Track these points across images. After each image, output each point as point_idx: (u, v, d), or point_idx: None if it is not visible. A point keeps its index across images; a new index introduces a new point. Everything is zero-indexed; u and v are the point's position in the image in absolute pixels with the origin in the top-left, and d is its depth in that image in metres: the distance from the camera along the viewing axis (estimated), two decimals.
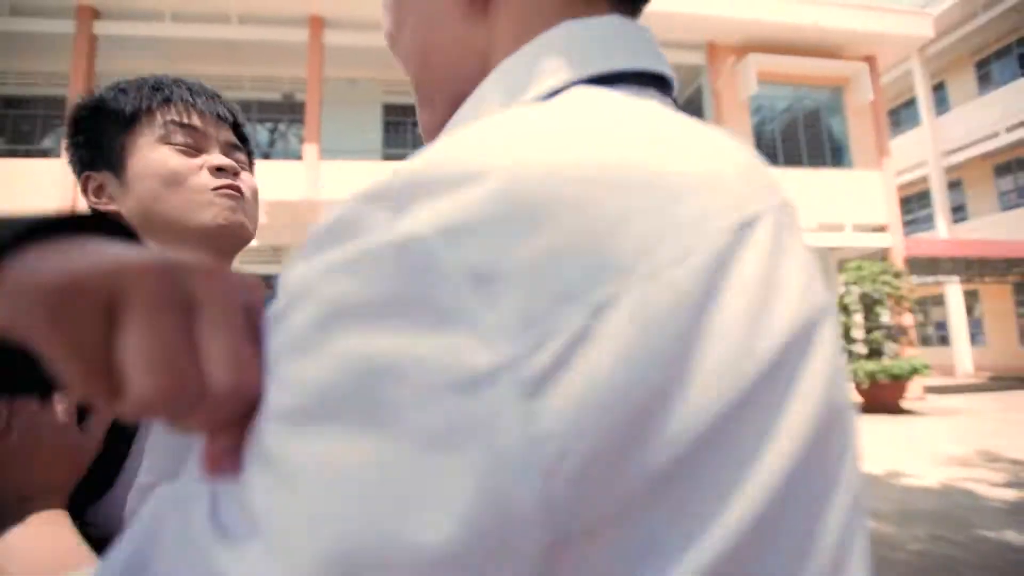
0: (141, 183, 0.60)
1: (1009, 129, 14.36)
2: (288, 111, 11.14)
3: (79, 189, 0.65)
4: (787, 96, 11.12)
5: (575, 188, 0.16)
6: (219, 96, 0.68)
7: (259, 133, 11.29)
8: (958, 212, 16.83)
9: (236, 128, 0.68)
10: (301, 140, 11.14)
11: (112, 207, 0.63)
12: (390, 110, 11.30)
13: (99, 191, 0.64)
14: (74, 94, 8.63)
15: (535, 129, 0.18)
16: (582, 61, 0.24)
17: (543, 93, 0.24)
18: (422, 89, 0.31)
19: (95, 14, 8.88)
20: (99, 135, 0.63)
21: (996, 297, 15.45)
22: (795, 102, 11.19)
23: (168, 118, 0.61)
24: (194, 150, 0.62)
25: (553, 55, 0.25)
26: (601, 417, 0.14)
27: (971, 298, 16.15)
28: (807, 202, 10.09)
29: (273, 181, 8.95)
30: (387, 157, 10.95)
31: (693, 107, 11.48)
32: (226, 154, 0.64)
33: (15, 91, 10.41)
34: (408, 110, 11.38)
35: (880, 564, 2.95)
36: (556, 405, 0.14)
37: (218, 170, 0.61)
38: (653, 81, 0.26)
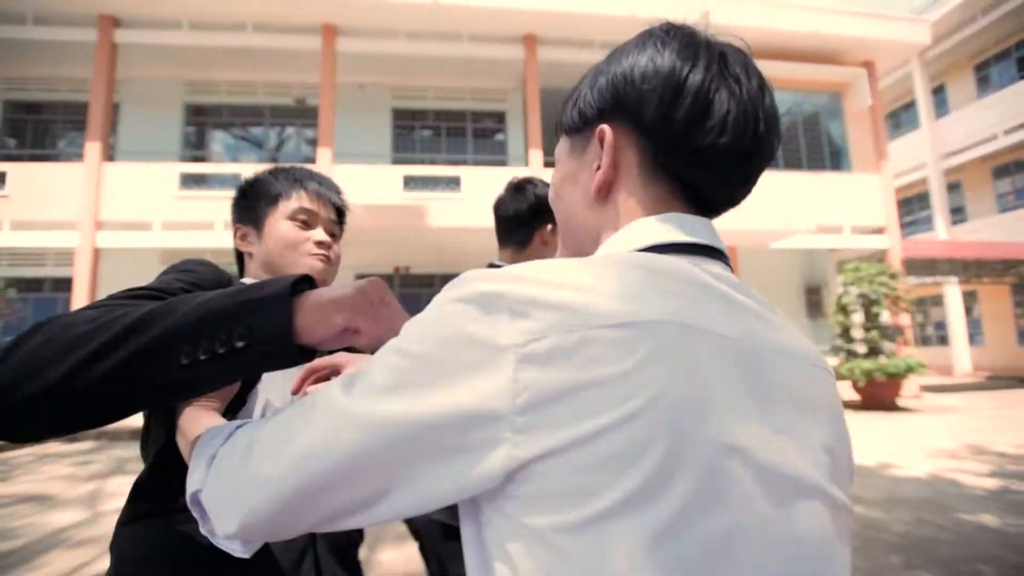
0: (271, 241, 0.91)
1: (1007, 132, 14.56)
2: (299, 115, 11.41)
3: (233, 234, 0.96)
4: (787, 101, 11.36)
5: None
6: (337, 189, 0.99)
7: (271, 137, 11.57)
8: (958, 214, 17.02)
9: (339, 209, 0.99)
10: (311, 143, 11.43)
11: (250, 250, 0.94)
12: (399, 114, 11.55)
13: (243, 238, 0.96)
14: (95, 100, 8.95)
15: (575, 270, 0.37)
16: (652, 237, 0.44)
17: (625, 246, 0.45)
18: (564, 238, 0.54)
19: (116, 23, 9.16)
20: (254, 202, 0.94)
21: (994, 298, 15.64)
22: (795, 107, 11.43)
23: (296, 205, 0.92)
24: (307, 225, 0.93)
25: (639, 232, 0.45)
26: (538, 381, 0.33)
27: (970, 299, 16.35)
28: (807, 205, 10.34)
29: None
30: (396, 161, 11.20)
31: None
32: (327, 229, 0.95)
33: (37, 96, 10.71)
34: (416, 114, 11.65)
35: (866, 544, 3.21)
36: (524, 375, 0.33)
37: (318, 244, 0.92)
38: (703, 249, 0.44)
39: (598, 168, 0.48)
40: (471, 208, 8.62)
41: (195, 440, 0.52)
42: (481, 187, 9.70)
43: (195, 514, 0.47)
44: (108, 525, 3.85)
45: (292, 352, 0.48)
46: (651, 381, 0.33)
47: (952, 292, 15.15)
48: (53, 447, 7.23)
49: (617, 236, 0.46)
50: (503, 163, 11.49)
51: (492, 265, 1.44)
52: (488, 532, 0.36)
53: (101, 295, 8.39)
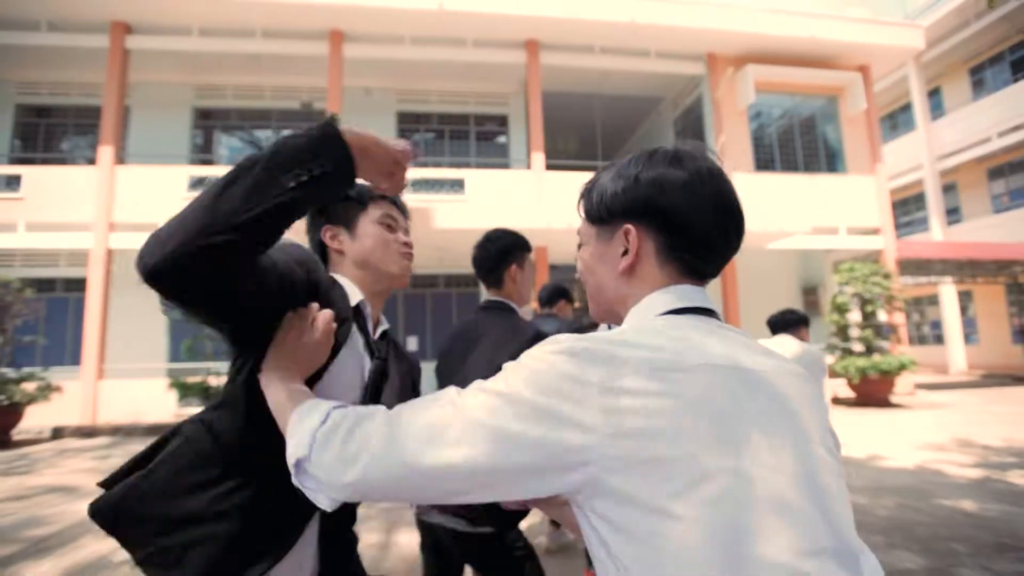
0: (366, 240, 1.07)
1: (1001, 134, 14.78)
2: (305, 119, 11.62)
3: (321, 235, 1.09)
4: (784, 104, 11.58)
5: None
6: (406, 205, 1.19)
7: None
8: (953, 214, 17.23)
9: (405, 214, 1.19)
10: None
11: (340, 248, 1.08)
12: (403, 117, 11.76)
13: (333, 237, 1.09)
14: (108, 104, 9.17)
15: (632, 333, 0.56)
16: (667, 305, 0.62)
17: (652, 316, 0.62)
18: (596, 300, 0.72)
19: (128, 29, 9.38)
20: (343, 207, 1.09)
21: (989, 297, 15.86)
22: (791, 110, 11.65)
23: (382, 211, 1.10)
24: (391, 228, 1.10)
25: (658, 302, 0.62)
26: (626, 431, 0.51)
27: (965, 298, 16.57)
28: (803, 206, 10.56)
29: None
30: None
31: (694, 115, 11.96)
32: (405, 231, 1.14)
33: (48, 100, 10.92)
34: (420, 118, 11.86)
35: None
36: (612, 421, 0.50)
37: (405, 243, 1.11)
38: (703, 310, 0.63)
39: (624, 253, 0.66)
40: (475, 210, 8.84)
41: (288, 410, 0.69)
42: (484, 189, 9.92)
43: (294, 475, 0.62)
44: None
45: (352, 175, 0.72)
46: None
47: (947, 292, 15.38)
48: (71, 443, 7.44)
49: (642, 305, 0.65)
50: (506, 166, 11.71)
51: (489, 301, 1.74)
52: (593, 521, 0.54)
53: (114, 295, 8.56)
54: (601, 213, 0.69)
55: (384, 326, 1.13)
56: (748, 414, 0.53)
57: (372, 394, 1.02)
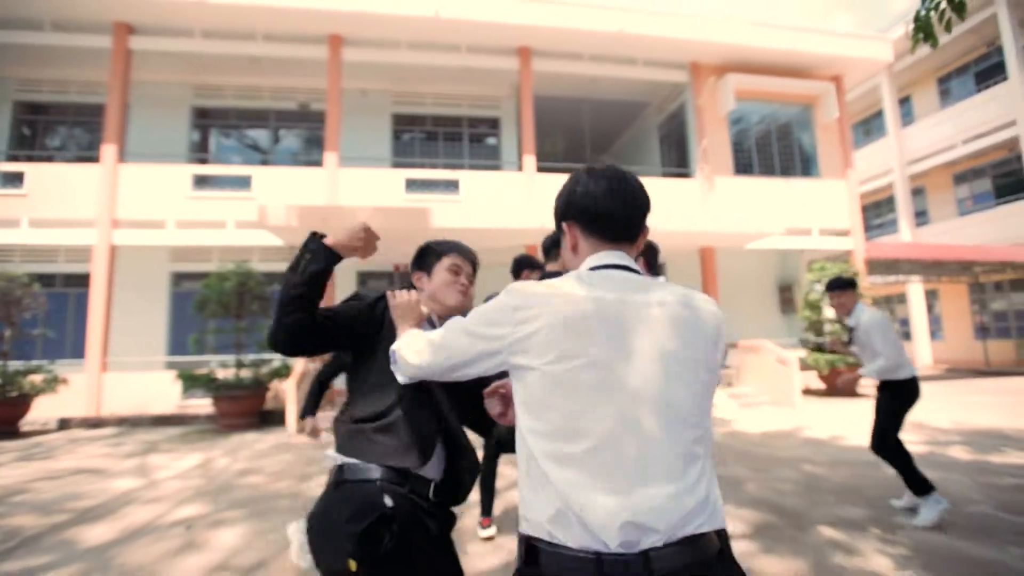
0: (437, 279, 1.49)
1: (966, 141, 15.63)
2: (302, 119, 11.90)
3: (413, 280, 1.56)
4: (762, 111, 12.18)
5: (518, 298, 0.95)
6: (474, 254, 1.59)
7: (276, 140, 12.03)
8: (922, 217, 18.10)
9: (474, 264, 1.59)
10: (313, 145, 11.94)
11: (420, 287, 1.52)
12: (399, 119, 12.09)
13: (418, 280, 1.53)
14: (111, 104, 9.39)
15: (555, 281, 0.96)
16: (588, 265, 0.99)
17: (584, 271, 0.99)
18: (569, 267, 1.07)
19: (131, 30, 9.59)
20: (426, 258, 1.53)
21: (953, 296, 16.73)
22: (768, 117, 12.26)
23: (450, 261, 1.51)
24: (456, 274, 1.51)
25: (585, 265, 1.00)
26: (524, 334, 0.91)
27: (932, 297, 17.45)
28: (779, 208, 11.17)
29: (299, 186, 9.77)
30: (395, 164, 11.76)
31: (678, 120, 12.51)
32: (468, 275, 1.54)
33: (48, 98, 11.05)
34: (415, 119, 12.22)
35: (809, 490, 3.95)
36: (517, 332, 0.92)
37: (463, 284, 1.51)
38: (617, 267, 0.99)
39: (569, 240, 1.05)
40: (469, 210, 9.24)
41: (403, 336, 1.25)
42: (477, 190, 10.33)
43: (392, 360, 1.23)
44: (167, 488, 4.44)
45: (335, 262, 1.27)
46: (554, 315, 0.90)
47: (915, 290, 16.22)
48: (79, 433, 7.70)
49: (580, 267, 1.01)
50: (497, 167, 12.12)
51: (549, 272, 2.68)
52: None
53: (117, 289, 8.82)
54: (556, 219, 1.09)
55: None
56: (594, 328, 0.88)
57: None
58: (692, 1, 48.95)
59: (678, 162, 12.58)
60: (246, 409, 7.74)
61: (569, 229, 1.04)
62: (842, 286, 3.67)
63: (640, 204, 1.02)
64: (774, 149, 12.19)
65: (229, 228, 9.41)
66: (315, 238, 1.27)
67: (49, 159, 11.07)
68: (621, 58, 11.30)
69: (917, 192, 18.14)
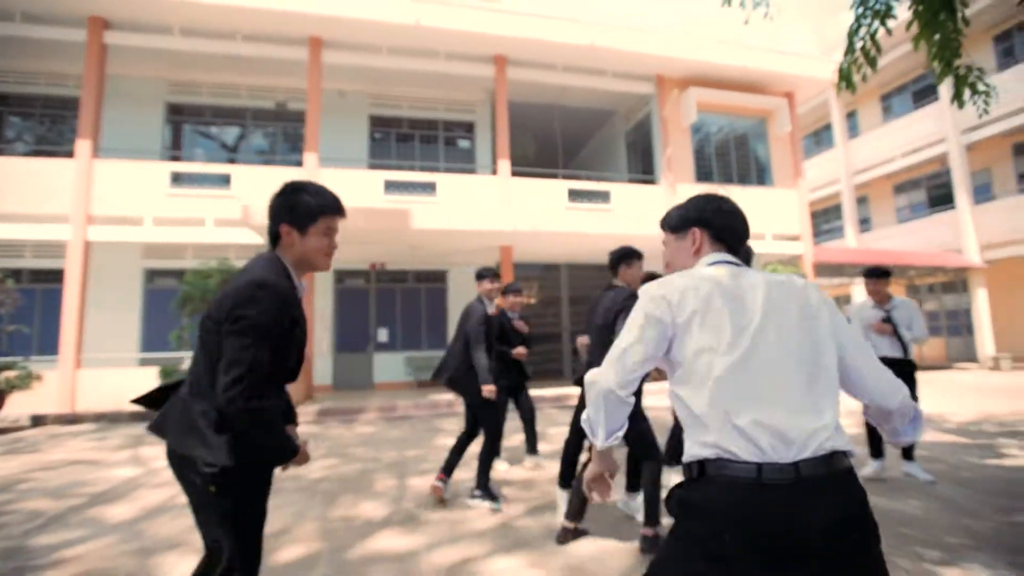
0: (310, 244, 1.49)
1: (904, 154, 16.96)
2: (279, 118, 12.00)
3: (279, 230, 1.48)
4: (721, 123, 13.00)
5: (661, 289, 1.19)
6: (343, 207, 1.58)
7: (253, 139, 12.09)
8: (865, 223, 19.47)
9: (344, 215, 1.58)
10: (290, 144, 12.06)
11: (290, 242, 1.48)
12: (376, 121, 12.34)
13: (288, 234, 1.47)
14: (86, 99, 9.36)
15: (685, 273, 1.23)
16: (709, 261, 1.27)
17: (703, 267, 1.28)
18: (674, 269, 1.39)
19: (106, 24, 9.55)
20: (300, 214, 1.48)
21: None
22: (727, 128, 13.09)
23: (326, 224, 1.51)
24: (329, 236, 1.52)
25: (705, 263, 1.27)
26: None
27: None
28: None
29: (278, 185, 9.93)
30: (372, 165, 12.01)
31: (644, 129, 13.20)
32: (335, 234, 1.55)
33: (15, 89, 10.81)
34: (392, 122, 12.50)
35: None
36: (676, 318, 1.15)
37: (333, 247, 1.55)
38: (730, 262, 1.28)
39: (694, 243, 1.31)
40: (446, 212, 9.63)
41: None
42: (454, 192, 10.72)
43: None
44: (168, 475, 4.69)
45: (287, 461, 1.46)
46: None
47: (858, 292, 17.48)
48: (56, 429, 7.70)
49: (700, 263, 1.27)
50: (472, 170, 12.53)
51: (611, 284, 3.18)
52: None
53: (91, 286, 8.84)
54: (677, 225, 1.36)
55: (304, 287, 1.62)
56: (726, 310, 1.11)
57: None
58: (659, 16, 50.57)
59: (644, 169, 13.28)
60: None
61: (696, 235, 1.32)
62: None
63: (748, 227, 1.36)
64: (732, 158, 13.03)
65: (208, 225, 9.51)
66: (293, 451, 1.43)
67: (8, 152, 10.84)
68: (592, 69, 11.88)
69: (862, 200, 19.49)
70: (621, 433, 1.21)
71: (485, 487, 3.60)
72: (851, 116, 19.68)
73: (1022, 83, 13.59)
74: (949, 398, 8.44)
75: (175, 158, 11.30)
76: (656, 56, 11.54)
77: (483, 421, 3.70)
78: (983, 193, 15.47)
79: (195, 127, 11.80)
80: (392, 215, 8.85)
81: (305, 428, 7.21)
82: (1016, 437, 5.41)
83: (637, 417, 2.82)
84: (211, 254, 10.01)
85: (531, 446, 4.86)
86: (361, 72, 11.25)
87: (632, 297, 2.79)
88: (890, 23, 3.31)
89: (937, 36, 3.10)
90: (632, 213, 11.21)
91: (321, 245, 1.49)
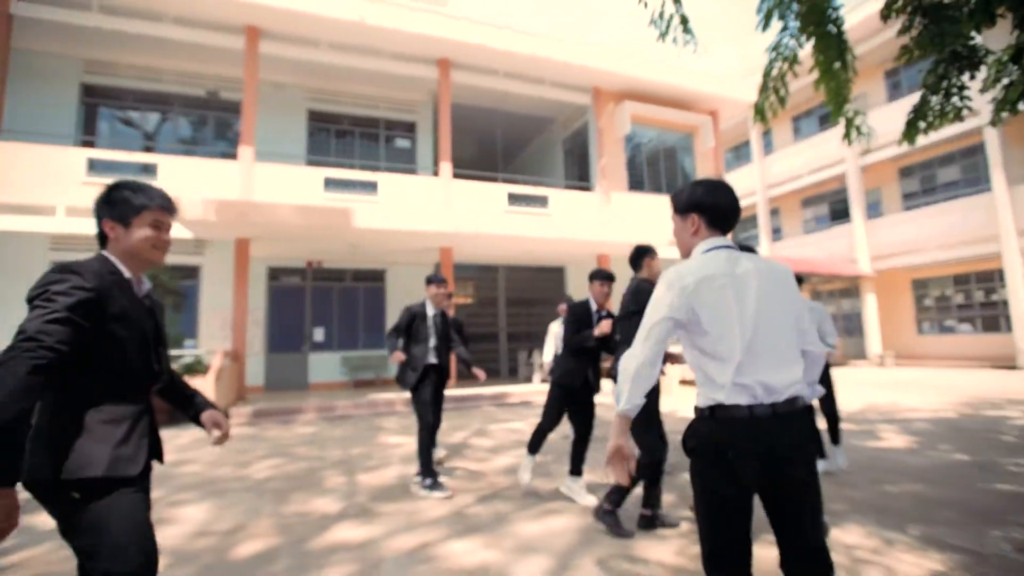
0: (134, 236, 1.41)
1: (810, 172, 18.73)
2: (210, 107, 11.44)
3: (103, 228, 1.41)
4: (651, 135, 13.83)
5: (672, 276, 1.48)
6: (174, 205, 1.51)
7: (180, 127, 11.45)
8: (777, 233, 21.28)
9: (174, 212, 1.52)
10: (219, 135, 11.55)
11: (114, 236, 1.41)
12: (315, 116, 12.06)
13: (112, 229, 1.41)
14: None
15: (690, 261, 1.53)
16: (705, 247, 1.54)
17: (699, 253, 1.57)
18: (681, 251, 1.66)
19: None
20: (121, 208, 1.41)
21: None
22: (657, 139, 13.94)
23: (152, 218, 1.44)
24: (157, 229, 1.45)
25: (702, 247, 1.55)
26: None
27: None
28: (664, 222, 12.81)
29: (210, 179, 9.53)
30: (310, 162, 11.72)
31: (581, 138, 13.78)
32: (167, 230, 1.49)
33: None
34: (332, 117, 12.27)
35: (676, 450, 5.04)
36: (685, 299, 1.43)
37: (164, 243, 1.48)
38: (727, 246, 1.57)
39: (692, 226, 1.56)
40: (388, 212, 9.64)
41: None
42: (395, 192, 10.73)
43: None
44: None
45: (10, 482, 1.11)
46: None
47: None
48: None
49: (697, 248, 1.54)
50: (413, 171, 12.55)
51: (634, 277, 3.38)
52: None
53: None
54: (683, 208, 1.57)
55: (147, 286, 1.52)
56: (728, 295, 1.40)
57: (156, 328, 1.49)
58: (599, 33, 52.37)
59: (580, 175, 13.86)
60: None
61: (694, 219, 1.55)
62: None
63: (739, 207, 1.57)
64: (661, 168, 13.89)
65: None
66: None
67: None
68: (533, 78, 12.27)
69: (775, 212, 21.28)
70: (640, 404, 1.46)
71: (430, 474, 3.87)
72: (767, 134, 21.42)
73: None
74: (842, 392, 9.54)
75: (89, 144, 10.50)
76: (594, 70, 12.11)
77: (415, 412, 4.15)
78: (875, 209, 17.40)
79: (114, 111, 11.02)
80: (333, 213, 8.76)
81: (240, 430, 7.03)
82: (891, 423, 6.29)
83: (651, 422, 3.06)
84: None
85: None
86: (301, 65, 10.98)
87: (645, 282, 3.24)
88: (800, 58, 3.86)
89: (832, 84, 3.65)
90: (569, 218, 11.70)
91: (147, 236, 1.43)
